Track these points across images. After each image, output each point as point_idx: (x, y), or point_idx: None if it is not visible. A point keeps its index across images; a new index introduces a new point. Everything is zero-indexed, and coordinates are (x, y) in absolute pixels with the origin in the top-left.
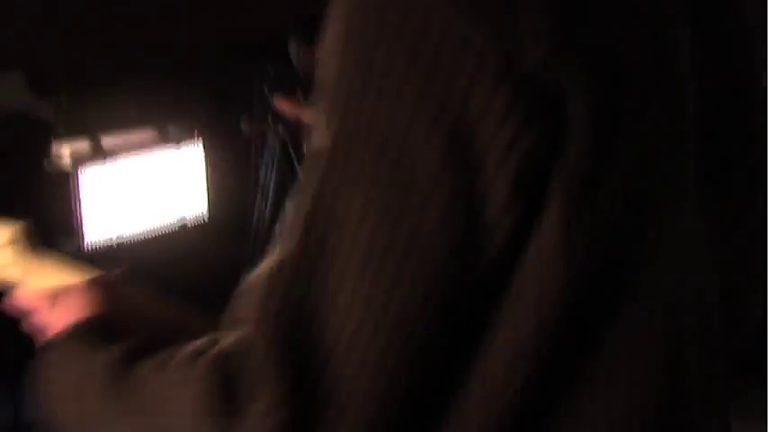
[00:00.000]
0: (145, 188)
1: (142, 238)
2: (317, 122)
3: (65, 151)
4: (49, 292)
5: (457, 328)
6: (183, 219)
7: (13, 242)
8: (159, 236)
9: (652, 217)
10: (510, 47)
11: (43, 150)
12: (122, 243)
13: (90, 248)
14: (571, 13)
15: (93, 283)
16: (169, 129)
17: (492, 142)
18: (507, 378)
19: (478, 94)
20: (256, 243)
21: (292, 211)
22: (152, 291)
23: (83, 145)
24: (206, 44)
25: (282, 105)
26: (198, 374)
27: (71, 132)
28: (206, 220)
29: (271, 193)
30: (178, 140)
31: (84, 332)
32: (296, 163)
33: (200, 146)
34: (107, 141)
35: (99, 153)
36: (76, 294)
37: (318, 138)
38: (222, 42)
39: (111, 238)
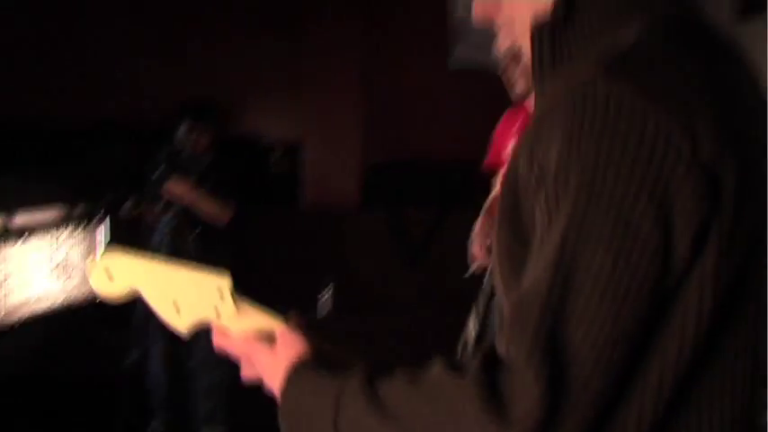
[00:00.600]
0: (51, 266)
1: (48, 313)
2: (545, 203)
3: None
4: (260, 334)
5: (646, 334)
6: (86, 295)
7: (230, 292)
8: (65, 311)
9: (759, 261)
10: (696, 145)
11: None
12: (29, 320)
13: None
14: (723, 122)
15: (295, 325)
16: (73, 209)
17: (683, 211)
18: (678, 358)
19: (677, 178)
20: (147, 321)
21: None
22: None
23: None
24: (104, 126)
25: (175, 188)
26: (469, 382)
27: None
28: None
29: None
30: (83, 220)
31: (318, 363)
32: (189, 243)
33: (103, 226)
34: (14, 221)
35: (7, 233)
36: (289, 334)
37: (549, 211)
38: (117, 124)
39: (20, 316)
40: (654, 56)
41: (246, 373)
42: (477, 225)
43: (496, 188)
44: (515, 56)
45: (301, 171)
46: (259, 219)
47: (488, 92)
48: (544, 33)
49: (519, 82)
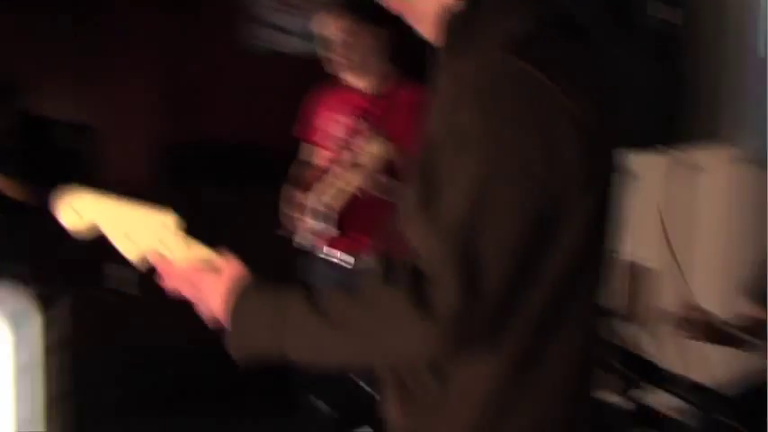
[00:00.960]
0: None
1: None
2: (459, 151)
3: None
4: (205, 263)
5: (538, 250)
6: None
7: (174, 227)
8: None
9: (607, 211)
10: (582, 111)
11: None
12: None
13: None
14: (596, 92)
15: (231, 256)
16: None
17: (569, 153)
18: (560, 269)
19: (567, 135)
20: None
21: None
22: None
23: None
24: None
25: None
26: (400, 290)
27: None
28: None
29: None
30: None
31: (260, 283)
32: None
33: None
34: None
35: None
36: (232, 261)
37: (464, 156)
38: None
39: None
40: (545, 41)
41: (188, 294)
42: (294, 194)
43: (319, 158)
44: (347, 42)
45: (97, 152)
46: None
47: (286, 73)
48: (456, 20)
49: (348, 65)
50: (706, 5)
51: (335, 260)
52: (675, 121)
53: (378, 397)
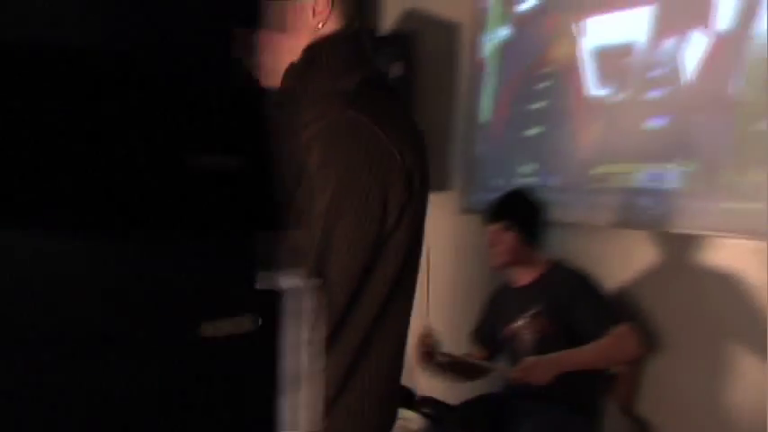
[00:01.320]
0: None
1: None
2: (317, 191)
3: None
4: None
5: (368, 271)
6: None
7: None
8: None
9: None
10: (403, 157)
11: None
12: None
13: None
14: (413, 143)
15: None
16: None
17: (394, 197)
18: (384, 288)
19: (393, 176)
20: None
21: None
22: None
23: None
24: None
25: None
26: None
27: None
28: None
29: None
30: None
31: None
32: None
33: None
34: None
35: None
36: None
37: (320, 196)
38: None
39: None
40: (371, 97)
41: None
42: None
43: None
44: None
45: None
46: None
47: None
48: (294, 71)
49: None
50: (432, 73)
51: None
52: None
53: None
